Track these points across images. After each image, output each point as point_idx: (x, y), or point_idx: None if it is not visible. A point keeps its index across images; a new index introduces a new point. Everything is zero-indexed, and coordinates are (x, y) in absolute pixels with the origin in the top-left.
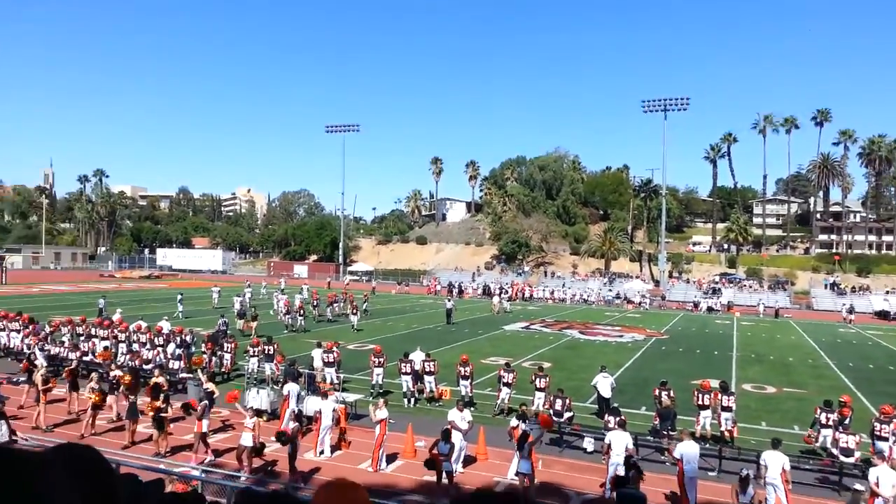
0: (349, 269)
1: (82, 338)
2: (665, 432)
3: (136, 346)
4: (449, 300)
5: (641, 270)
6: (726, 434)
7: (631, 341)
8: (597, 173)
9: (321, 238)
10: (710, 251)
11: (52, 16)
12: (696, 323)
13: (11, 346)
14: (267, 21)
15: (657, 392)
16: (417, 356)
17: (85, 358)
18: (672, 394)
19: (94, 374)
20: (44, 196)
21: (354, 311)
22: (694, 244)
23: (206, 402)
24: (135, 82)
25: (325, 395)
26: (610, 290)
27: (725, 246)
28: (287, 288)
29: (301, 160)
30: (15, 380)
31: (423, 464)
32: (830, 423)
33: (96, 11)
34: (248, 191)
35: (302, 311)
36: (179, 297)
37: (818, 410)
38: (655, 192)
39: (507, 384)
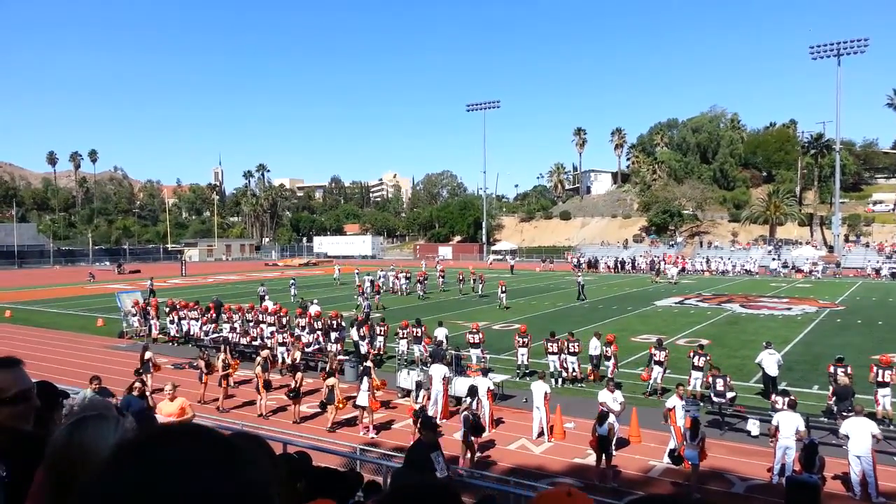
0: (493, 248)
1: (251, 324)
2: (844, 413)
3: (296, 331)
4: (579, 275)
5: (812, 236)
6: None
7: (801, 314)
8: (759, 131)
9: (464, 218)
10: (894, 210)
11: (213, 32)
12: (877, 292)
13: (191, 333)
14: (402, 7)
15: (832, 369)
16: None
17: (254, 343)
18: (850, 371)
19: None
20: (215, 193)
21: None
22: (875, 203)
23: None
24: (289, 82)
25: (485, 373)
26: (776, 259)
27: None
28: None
29: (443, 141)
30: (193, 364)
31: (590, 446)
32: None
33: (248, 28)
34: (394, 175)
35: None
36: (292, 282)
37: None
38: (828, 148)
39: (658, 362)
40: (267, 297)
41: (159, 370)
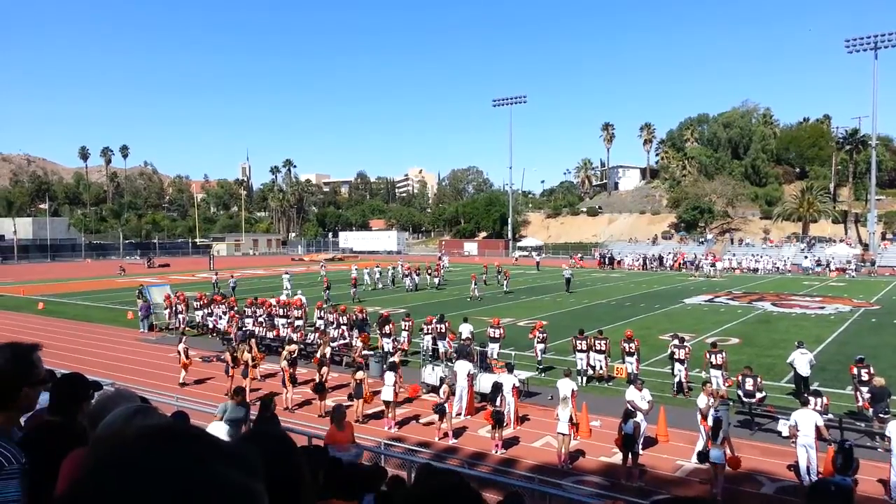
0: (518, 244)
1: (278, 318)
2: (881, 415)
3: (320, 324)
4: (567, 269)
5: (847, 233)
6: None
7: (834, 313)
8: (792, 126)
9: (490, 214)
10: None
11: (242, 29)
12: None
13: (219, 326)
14: (429, 1)
15: (855, 371)
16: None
17: (282, 335)
18: (872, 370)
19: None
20: (242, 188)
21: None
22: None
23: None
24: (316, 78)
25: (510, 369)
26: (808, 257)
27: None
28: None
29: (469, 137)
30: (220, 358)
31: (615, 444)
32: None
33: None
34: (420, 171)
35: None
36: (286, 274)
37: None
38: (864, 144)
39: (678, 360)
40: (295, 292)
41: (185, 364)
